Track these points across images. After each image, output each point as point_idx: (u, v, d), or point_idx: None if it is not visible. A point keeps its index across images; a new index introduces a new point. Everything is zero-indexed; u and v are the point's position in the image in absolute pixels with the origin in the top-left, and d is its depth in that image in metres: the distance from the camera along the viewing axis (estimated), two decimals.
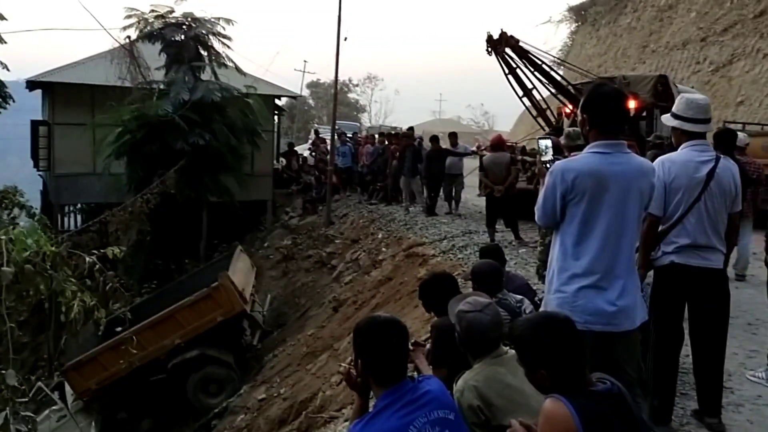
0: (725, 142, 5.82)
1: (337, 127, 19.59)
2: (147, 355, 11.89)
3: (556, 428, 2.12)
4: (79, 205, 21.32)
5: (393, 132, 19.17)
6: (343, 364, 2.84)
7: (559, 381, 2.22)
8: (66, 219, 21.29)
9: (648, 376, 3.98)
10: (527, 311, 4.10)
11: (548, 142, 6.31)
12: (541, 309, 3.38)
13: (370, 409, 2.58)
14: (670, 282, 3.91)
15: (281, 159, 24.66)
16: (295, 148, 25.29)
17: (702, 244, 3.91)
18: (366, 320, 2.68)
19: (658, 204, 3.81)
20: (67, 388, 12.15)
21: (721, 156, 4.03)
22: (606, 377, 2.29)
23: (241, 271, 13.54)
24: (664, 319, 3.95)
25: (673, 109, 4.03)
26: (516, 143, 16.45)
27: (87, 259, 3.32)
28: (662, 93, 13.05)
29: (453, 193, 13.98)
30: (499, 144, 11.29)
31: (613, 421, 2.13)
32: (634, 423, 2.20)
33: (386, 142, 16.67)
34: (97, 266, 3.37)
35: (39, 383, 12.65)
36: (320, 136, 22.84)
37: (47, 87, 19.60)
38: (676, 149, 4.08)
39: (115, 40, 15.88)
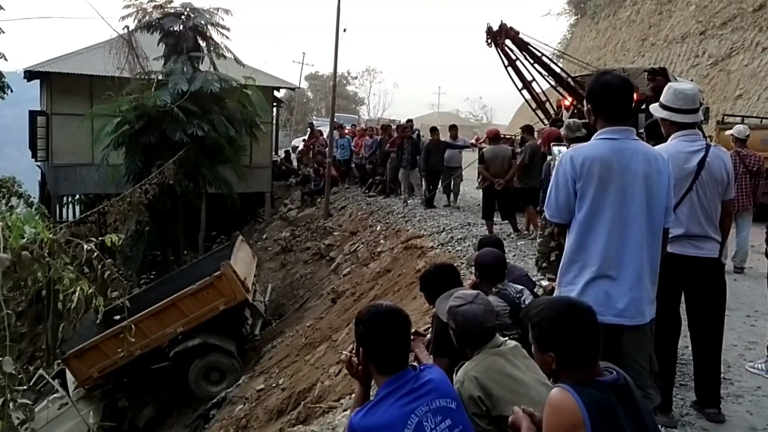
0: (655, 132, 6.10)
1: (336, 119, 19.55)
2: (149, 343, 11.96)
3: (563, 419, 2.10)
4: (77, 196, 21.28)
5: (390, 125, 19.16)
6: (344, 352, 2.82)
7: (565, 366, 2.20)
8: (64, 210, 21.27)
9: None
10: (527, 302, 4.09)
11: (563, 149, 6.26)
12: None
13: (372, 398, 2.57)
14: (664, 272, 3.89)
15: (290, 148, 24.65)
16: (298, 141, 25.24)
17: (695, 234, 3.91)
18: (368, 309, 2.66)
19: None
20: (69, 376, 12.18)
21: (712, 144, 4.02)
22: (612, 367, 2.27)
23: (242, 260, 13.58)
24: (661, 309, 3.94)
25: (662, 99, 3.99)
26: (514, 136, 16.40)
27: (85, 246, 3.29)
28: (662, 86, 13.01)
29: (452, 186, 13.96)
30: (497, 136, 11.29)
31: (619, 411, 2.11)
32: (638, 413, 2.19)
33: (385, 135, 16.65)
34: (96, 254, 3.34)
35: (41, 371, 12.71)
36: (316, 129, 22.75)
37: (45, 77, 19.50)
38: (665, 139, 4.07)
39: (114, 30, 15.81)
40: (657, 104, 4.04)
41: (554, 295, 3.33)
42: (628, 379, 2.26)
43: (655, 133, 6.30)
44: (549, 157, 7.42)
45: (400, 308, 2.69)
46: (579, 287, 3.07)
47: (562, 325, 2.22)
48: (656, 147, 3.97)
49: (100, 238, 3.65)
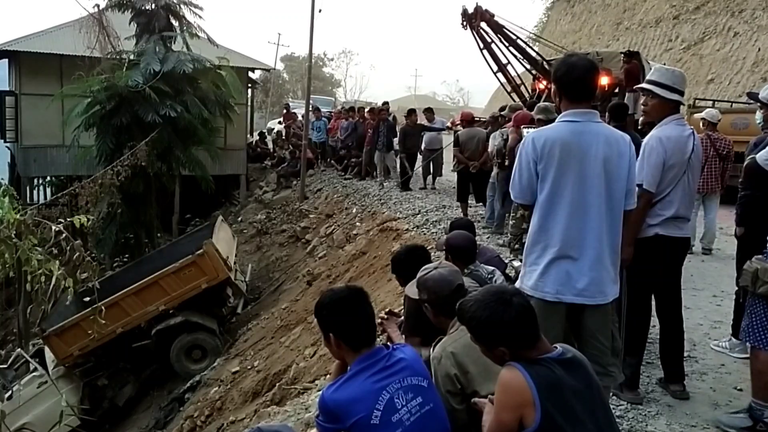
0: (618, 114, 6.30)
1: (312, 101, 19.41)
2: (130, 321, 11.96)
3: (513, 398, 2.17)
4: (48, 178, 20.93)
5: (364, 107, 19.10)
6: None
7: (517, 353, 2.25)
8: (35, 192, 20.93)
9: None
10: (498, 282, 4.13)
11: (532, 131, 6.34)
12: (518, 283, 3.38)
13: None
14: (652, 253, 3.93)
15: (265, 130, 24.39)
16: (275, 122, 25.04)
17: (682, 216, 4.01)
18: (325, 294, 2.70)
19: (654, 180, 3.86)
20: (48, 355, 12.09)
21: (692, 128, 4.11)
22: (560, 345, 2.33)
23: (223, 239, 13.59)
24: (641, 289, 4.00)
25: (660, 79, 3.93)
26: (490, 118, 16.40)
27: (53, 228, 3.24)
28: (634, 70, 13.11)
29: (431, 168, 13.93)
30: (472, 119, 11.31)
31: (566, 386, 2.18)
32: (587, 386, 2.24)
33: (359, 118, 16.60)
34: (64, 235, 3.29)
35: (19, 350, 12.59)
36: (291, 111, 22.55)
37: (14, 56, 19.10)
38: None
39: (84, 8, 15.48)
40: (656, 86, 3.92)
41: (519, 274, 3.37)
42: (576, 353, 2.32)
43: (619, 115, 6.40)
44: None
45: (355, 285, 2.74)
46: (541, 267, 3.12)
47: (498, 320, 2.24)
48: (654, 131, 4.00)
49: (68, 220, 3.59)
